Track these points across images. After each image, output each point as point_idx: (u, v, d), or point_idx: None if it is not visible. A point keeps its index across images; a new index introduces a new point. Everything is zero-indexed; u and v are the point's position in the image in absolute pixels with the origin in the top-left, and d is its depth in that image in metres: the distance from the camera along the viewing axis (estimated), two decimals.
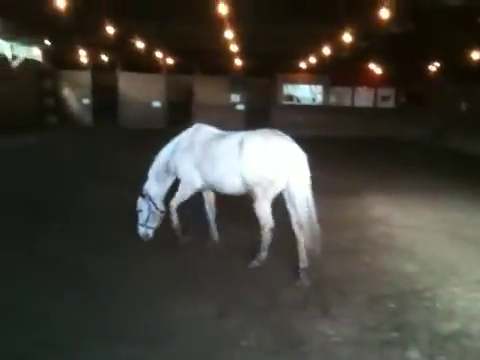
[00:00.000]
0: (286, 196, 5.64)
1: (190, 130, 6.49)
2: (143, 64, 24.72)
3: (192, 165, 6.19)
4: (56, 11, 12.10)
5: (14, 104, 22.19)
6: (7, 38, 20.77)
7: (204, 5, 11.87)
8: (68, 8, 11.94)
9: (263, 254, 5.83)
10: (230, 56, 22.49)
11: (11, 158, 13.48)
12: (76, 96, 27.97)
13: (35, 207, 8.11)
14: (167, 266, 5.79)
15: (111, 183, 10.01)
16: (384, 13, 12.11)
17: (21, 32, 19.79)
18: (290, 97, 28.71)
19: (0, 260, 5.78)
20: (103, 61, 25.98)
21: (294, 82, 28.47)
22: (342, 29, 14.85)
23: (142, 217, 6.47)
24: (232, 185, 5.87)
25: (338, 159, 15.71)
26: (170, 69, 27.18)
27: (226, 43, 18.36)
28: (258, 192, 5.59)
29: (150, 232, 6.50)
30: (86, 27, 15.73)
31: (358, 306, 4.94)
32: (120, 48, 21.13)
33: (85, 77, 27.53)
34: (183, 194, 6.36)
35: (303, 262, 5.56)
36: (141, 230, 6.47)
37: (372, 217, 8.59)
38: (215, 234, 6.62)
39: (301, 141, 5.76)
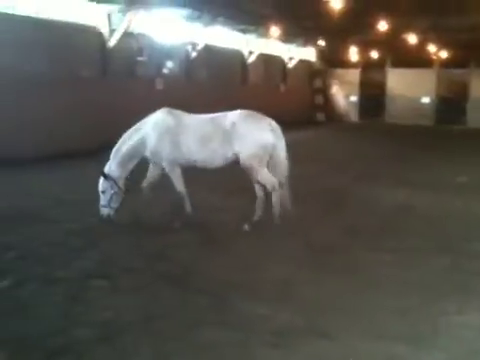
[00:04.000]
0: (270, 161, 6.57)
1: (160, 115, 6.68)
2: (413, 59, 23.97)
3: (174, 146, 6.55)
4: (331, 12, 12.76)
5: (289, 102, 24.22)
6: (285, 41, 22.71)
7: None
8: (343, 8, 12.45)
9: (277, 208, 6.47)
10: None
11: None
12: (344, 93, 28.92)
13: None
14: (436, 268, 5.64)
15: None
16: None
17: (297, 34, 21.45)
18: None
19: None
20: (373, 58, 26.20)
21: None
22: None
23: (105, 198, 6.63)
24: (223, 161, 6.55)
25: None
26: (442, 63, 25.72)
27: None
28: (254, 164, 6.39)
29: (112, 213, 6.66)
30: (359, 26, 16.10)
31: None
32: (391, 44, 20.96)
33: (354, 75, 28.27)
34: (176, 175, 6.73)
35: (257, 214, 6.67)
36: (104, 211, 6.66)
37: None
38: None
39: None
